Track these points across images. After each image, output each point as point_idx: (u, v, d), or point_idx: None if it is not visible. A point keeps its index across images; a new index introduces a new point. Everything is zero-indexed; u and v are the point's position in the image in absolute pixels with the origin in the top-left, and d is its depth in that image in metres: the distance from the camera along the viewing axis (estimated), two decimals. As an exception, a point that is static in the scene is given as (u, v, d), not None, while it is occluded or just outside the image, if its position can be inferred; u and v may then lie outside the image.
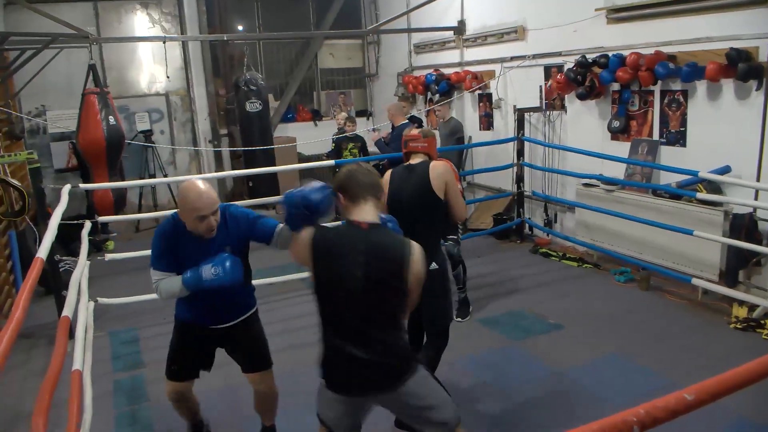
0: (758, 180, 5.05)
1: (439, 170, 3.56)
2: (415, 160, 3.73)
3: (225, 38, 8.65)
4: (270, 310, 5.24)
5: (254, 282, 4.27)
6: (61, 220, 4.07)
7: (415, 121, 7.87)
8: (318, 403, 2.58)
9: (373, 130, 8.23)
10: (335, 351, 2.45)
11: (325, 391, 2.53)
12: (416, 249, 2.43)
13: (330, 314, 2.47)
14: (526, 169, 7.36)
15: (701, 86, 5.49)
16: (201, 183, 2.81)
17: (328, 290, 2.44)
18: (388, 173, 3.77)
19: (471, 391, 4.09)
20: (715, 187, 5.32)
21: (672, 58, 5.61)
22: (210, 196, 2.79)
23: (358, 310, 2.40)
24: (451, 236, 5.21)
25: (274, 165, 7.95)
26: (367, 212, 2.46)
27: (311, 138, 9.22)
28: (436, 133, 8.43)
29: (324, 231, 2.48)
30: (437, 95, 8.89)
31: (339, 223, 2.62)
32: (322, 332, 2.51)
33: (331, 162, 7.32)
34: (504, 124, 8.10)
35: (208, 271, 2.78)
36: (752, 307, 4.92)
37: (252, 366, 3.28)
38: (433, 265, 3.44)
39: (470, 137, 8.60)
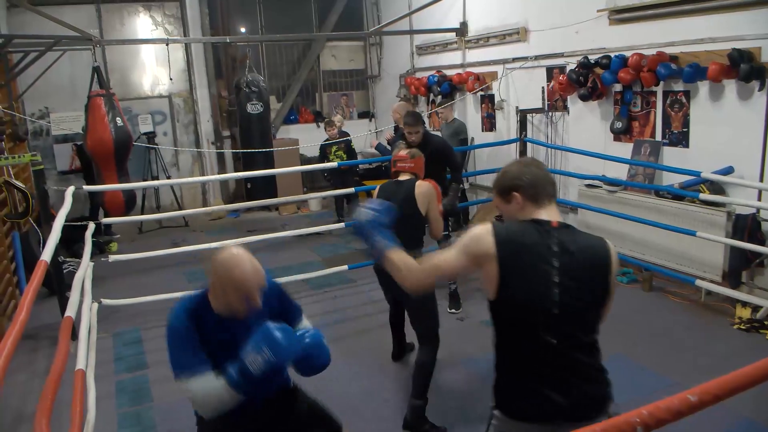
0: (761, 180, 5.05)
1: (423, 189, 3.99)
2: (403, 177, 4.14)
3: (228, 40, 8.66)
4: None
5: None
6: (65, 221, 4.08)
7: (382, 150, 7.85)
8: None
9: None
10: (530, 377, 2.05)
11: (507, 423, 2.13)
12: (611, 244, 2.11)
13: (521, 332, 2.06)
14: (529, 171, 7.35)
15: (703, 87, 5.49)
16: (244, 253, 2.30)
17: (521, 302, 2.03)
18: (378, 187, 4.18)
19: (475, 393, 4.08)
20: (717, 188, 5.31)
21: (674, 58, 5.61)
22: (260, 269, 2.30)
23: (559, 326, 2.00)
24: (443, 232, 5.33)
25: (273, 167, 7.96)
26: (554, 211, 2.12)
27: (314, 140, 9.23)
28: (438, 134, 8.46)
29: (507, 228, 2.08)
30: (439, 97, 8.90)
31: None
32: (505, 355, 2.16)
33: (334, 164, 7.34)
34: (506, 125, 8.10)
35: (253, 358, 2.15)
36: (755, 308, 4.91)
37: None
38: None
39: (472, 138, 8.60)
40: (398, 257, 2.17)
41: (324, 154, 8.43)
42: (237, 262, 2.25)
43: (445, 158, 5.37)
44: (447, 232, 5.45)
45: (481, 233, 2.04)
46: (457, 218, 8.20)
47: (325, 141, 8.37)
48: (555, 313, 1.99)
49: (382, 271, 3.71)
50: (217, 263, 2.27)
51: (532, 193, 2.10)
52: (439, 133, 8.41)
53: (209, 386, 2.20)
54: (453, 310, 5.49)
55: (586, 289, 2.02)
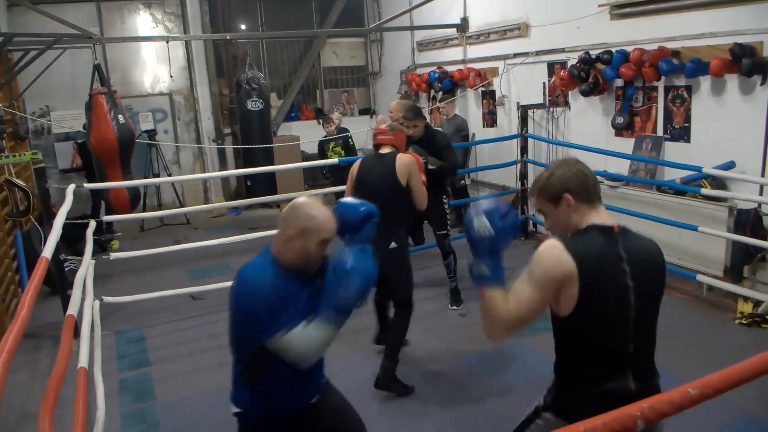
0: (763, 175, 5.04)
1: (404, 161, 4.06)
2: (384, 150, 4.19)
3: (228, 37, 8.67)
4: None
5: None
6: (66, 219, 4.08)
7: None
8: None
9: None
10: (604, 382, 1.99)
11: (557, 425, 2.03)
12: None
13: (598, 341, 1.99)
14: (530, 166, 7.35)
15: (705, 82, 5.47)
16: (318, 201, 2.34)
17: (601, 314, 1.96)
18: (358, 161, 4.29)
19: (477, 388, 4.09)
20: (719, 183, 5.30)
21: (676, 53, 5.60)
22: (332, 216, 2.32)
23: (637, 331, 2.00)
24: (441, 231, 5.48)
25: (273, 164, 7.96)
26: (604, 212, 2.08)
27: (314, 137, 9.22)
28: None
29: (577, 241, 1.99)
30: (440, 93, 8.89)
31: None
32: (575, 361, 2.07)
33: (335, 160, 7.33)
34: (507, 121, 8.09)
35: (342, 291, 2.16)
36: (757, 303, 4.90)
37: None
38: (393, 245, 4.03)
39: (473, 134, 8.59)
40: (495, 299, 1.97)
41: (322, 151, 8.43)
42: (314, 205, 2.28)
43: (444, 154, 5.35)
44: (446, 231, 5.50)
45: (554, 254, 1.92)
46: (459, 215, 8.22)
47: (323, 138, 8.37)
48: (633, 318, 1.98)
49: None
50: (297, 209, 2.27)
51: (584, 193, 2.03)
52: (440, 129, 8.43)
53: (308, 334, 2.16)
54: (455, 307, 5.50)
55: (653, 291, 2.03)
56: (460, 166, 5.38)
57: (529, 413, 2.25)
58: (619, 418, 1.26)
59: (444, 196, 5.49)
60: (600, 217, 2.05)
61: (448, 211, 5.54)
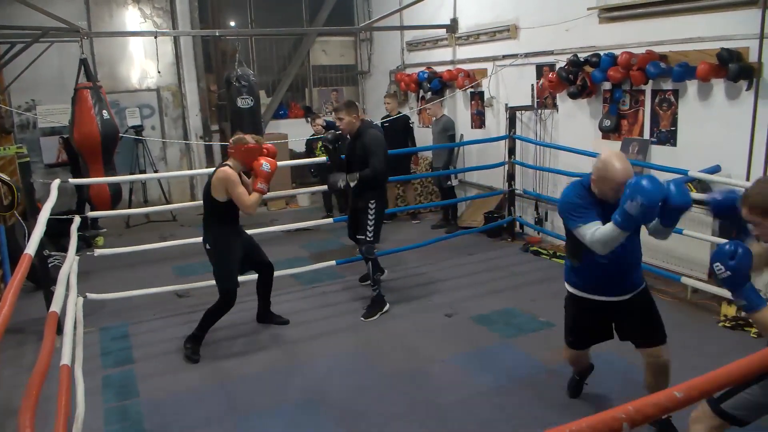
0: (748, 179, 5.08)
1: (219, 175, 4.48)
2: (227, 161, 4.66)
3: (217, 34, 8.62)
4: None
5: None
6: (51, 215, 4.05)
7: (330, 126, 7.60)
8: None
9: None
10: None
11: None
12: None
13: None
14: (518, 168, 7.38)
15: (692, 86, 5.52)
16: (618, 154, 3.07)
17: None
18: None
19: (463, 389, 4.09)
20: (705, 187, 5.34)
21: (663, 57, 5.64)
22: (629, 168, 2.97)
23: None
24: (359, 235, 5.33)
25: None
26: None
27: (303, 135, 9.20)
28: (428, 130, 8.48)
29: None
30: (429, 93, 8.89)
31: None
32: None
33: (323, 159, 7.31)
34: (496, 122, 8.11)
35: (630, 203, 2.74)
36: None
37: (650, 341, 3.31)
38: (207, 246, 4.68)
39: (462, 135, 8.61)
40: (765, 318, 2.22)
41: (310, 149, 8.40)
42: (615, 161, 2.97)
43: (370, 158, 5.10)
44: (365, 236, 5.29)
45: None
46: (445, 215, 8.23)
47: (311, 136, 8.34)
48: None
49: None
50: (601, 162, 3.02)
51: None
52: (429, 130, 8.44)
53: (602, 229, 2.93)
54: (363, 318, 5.30)
55: None
56: (383, 173, 5.15)
57: None
58: (604, 421, 1.26)
59: (372, 201, 5.24)
60: None
61: (371, 218, 5.26)
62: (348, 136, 5.41)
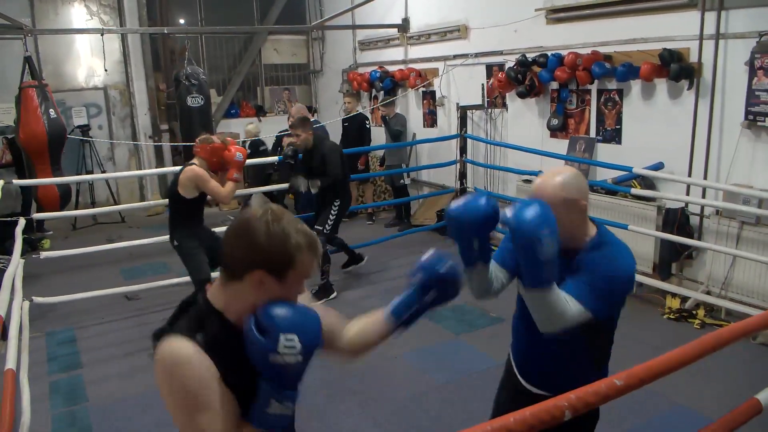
0: (689, 176, 5.26)
1: (188, 174, 4.57)
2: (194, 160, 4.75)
3: (165, 31, 8.48)
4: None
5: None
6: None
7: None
8: None
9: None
10: None
11: None
12: None
13: None
14: (469, 166, 7.47)
15: (636, 85, 5.68)
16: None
17: None
18: None
19: (416, 384, 4.13)
20: (649, 183, 5.51)
21: (608, 58, 5.78)
22: (539, 183, 2.35)
23: None
24: (317, 226, 5.60)
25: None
26: None
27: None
28: (381, 129, 8.50)
29: None
30: (382, 92, 8.92)
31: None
32: None
33: (275, 158, 7.25)
34: (447, 121, 8.19)
35: None
36: (684, 299, 5.12)
37: None
38: (174, 243, 4.72)
39: (414, 134, 8.66)
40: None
41: (279, 144, 8.20)
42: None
43: (326, 165, 5.50)
44: (321, 228, 5.58)
45: None
46: (399, 213, 8.28)
47: (282, 132, 8.15)
48: None
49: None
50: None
51: None
52: (381, 128, 8.45)
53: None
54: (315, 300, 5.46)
55: None
56: (341, 176, 5.61)
57: None
58: (547, 409, 1.30)
59: (336, 201, 5.65)
60: None
61: (333, 213, 5.65)
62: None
